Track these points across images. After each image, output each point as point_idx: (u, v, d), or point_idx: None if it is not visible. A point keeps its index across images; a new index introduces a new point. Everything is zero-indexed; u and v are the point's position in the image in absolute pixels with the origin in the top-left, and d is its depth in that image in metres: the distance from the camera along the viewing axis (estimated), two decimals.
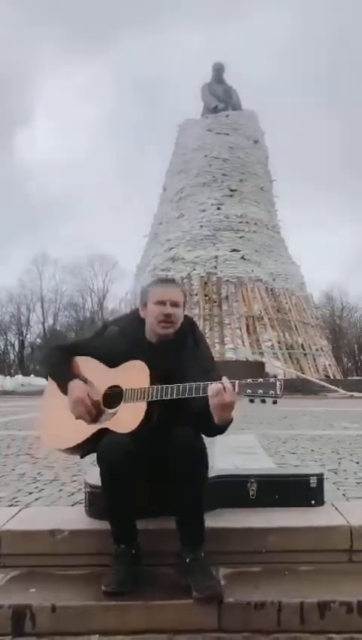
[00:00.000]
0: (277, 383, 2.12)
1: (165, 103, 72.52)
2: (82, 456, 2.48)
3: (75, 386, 2.31)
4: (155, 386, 2.22)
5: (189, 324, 2.47)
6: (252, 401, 2.13)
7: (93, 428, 2.28)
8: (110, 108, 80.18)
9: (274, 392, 2.11)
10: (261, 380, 2.14)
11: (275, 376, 2.19)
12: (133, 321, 2.46)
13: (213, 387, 2.10)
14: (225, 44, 67.75)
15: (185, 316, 2.46)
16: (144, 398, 2.22)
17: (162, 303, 2.34)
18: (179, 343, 2.38)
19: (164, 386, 2.20)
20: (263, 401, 2.12)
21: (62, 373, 2.39)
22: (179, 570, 2.17)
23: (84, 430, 2.30)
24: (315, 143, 74.90)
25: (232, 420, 2.20)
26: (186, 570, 2.12)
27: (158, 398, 2.20)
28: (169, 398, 2.18)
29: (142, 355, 2.31)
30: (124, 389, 2.29)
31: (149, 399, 2.21)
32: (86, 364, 2.41)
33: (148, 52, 77.66)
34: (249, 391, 2.12)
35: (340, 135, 75.08)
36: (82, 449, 2.37)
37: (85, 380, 2.35)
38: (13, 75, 77.71)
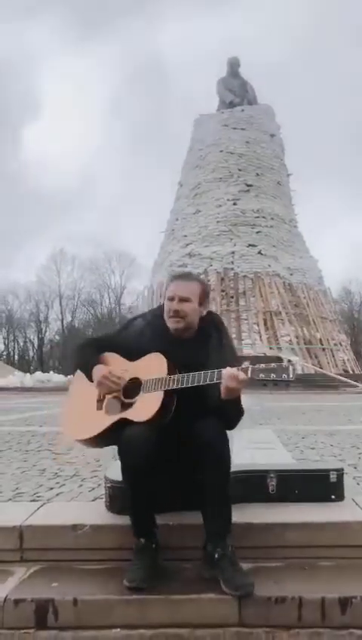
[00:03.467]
0: (290, 367, 2.16)
1: (178, 91, 72.30)
2: (104, 445, 2.51)
3: (98, 368, 2.38)
4: (172, 375, 2.25)
5: (213, 320, 2.49)
6: (265, 385, 2.16)
7: (113, 418, 2.33)
8: (119, 97, 79.97)
9: (286, 376, 2.14)
10: (274, 364, 2.17)
11: (289, 360, 2.20)
12: (159, 314, 2.50)
13: (225, 372, 2.15)
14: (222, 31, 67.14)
15: (210, 312, 2.49)
16: (161, 387, 2.26)
17: (171, 299, 2.39)
18: (203, 337, 2.41)
19: (181, 375, 2.24)
20: (275, 384, 2.15)
21: (87, 363, 2.45)
22: (205, 564, 2.18)
23: (104, 421, 2.34)
24: (326, 132, 74.12)
25: (240, 401, 2.25)
26: (214, 565, 2.13)
27: (175, 386, 2.23)
28: (185, 386, 2.21)
29: (165, 345, 2.35)
30: (142, 380, 2.33)
31: (166, 388, 2.25)
32: (110, 360, 2.45)
33: (154, 39, 77.06)
34: (262, 375, 2.15)
35: (352, 122, 74.09)
36: (102, 440, 2.40)
37: None
38: (18, 67, 77.70)
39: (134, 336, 2.47)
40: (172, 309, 2.38)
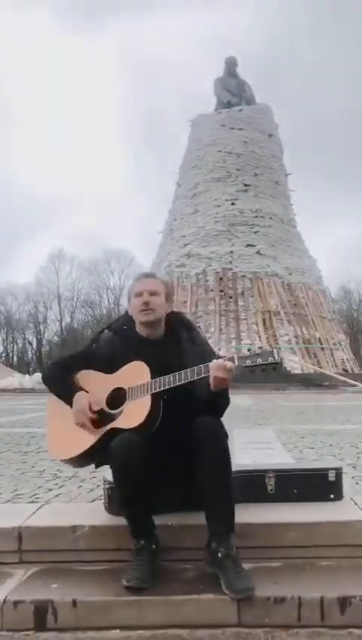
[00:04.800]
0: (275, 350, 2.23)
1: (178, 89, 72.01)
2: (97, 466, 2.48)
3: (78, 397, 2.36)
4: (156, 379, 2.25)
5: (179, 317, 2.55)
6: (253, 371, 2.21)
7: (101, 431, 2.30)
8: (117, 95, 79.60)
9: (272, 359, 2.20)
10: (258, 350, 2.25)
11: (271, 347, 2.27)
12: (125, 321, 2.54)
13: (212, 364, 2.18)
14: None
15: (174, 312, 2.54)
16: (147, 391, 2.25)
17: (140, 294, 2.43)
18: (173, 336, 2.45)
19: (164, 376, 2.24)
20: (263, 370, 2.19)
21: (63, 388, 2.43)
22: (208, 562, 2.18)
23: (93, 435, 2.31)
24: (326, 129, 73.93)
25: (228, 389, 2.28)
26: (216, 564, 2.13)
27: (161, 388, 2.23)
28: (171, 386, 2.22)
29: (137, 350, 2.37)
30: (127, 389, 2.31)
31: (152, 391, 2.24)
32: (86, 377, 2.43)
33: (150, 37, 76.62)
34: (248, 361, 2.20)
35: (351, 117, 73.91)
36: (93, 456, 2.37)
37: (86, 392, 2.39)
38: (14, 60, 76.91)
39: (105, 348, 2.48)
40: (142, 302, 2.41)
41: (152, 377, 2.27)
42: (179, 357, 2.34)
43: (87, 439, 2.32)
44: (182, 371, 2.22)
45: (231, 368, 2.17)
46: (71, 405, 2.38)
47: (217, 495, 2.18)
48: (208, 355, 2.33)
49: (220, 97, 33.30)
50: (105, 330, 2.58)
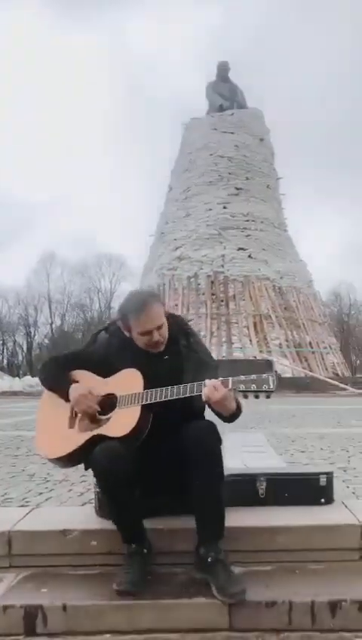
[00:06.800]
0: (270, 378, 2.12)
1: (169, 91, 71.95)
2: (86, 468, 2.41)
3: (76, 386, 2.33)
4: (148, 390, 2.22)
5: (178, 324, 2.45)
6: (246, 396, 2.14)
7: (87, 435, 2.27)
8: (106, 96, 79.46)
9: (267, 387, 2.11)
10: (254, 376, 2.14)
11: (269, 371, 2.19)
12: (119, 332, 2.43)
13: (205, 391, 2.12)
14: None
15: (173, 315, 2.45)
16: (138, 401, 2.22)
17: (148, 332, 2.30)
18: (172, 345, 2.37)
19: (157, 388, 2.21)
20: (256, 397, 2.13)
21: (60, 382, 2.38)
22: (197, 567, 2.16)
23: (77, 438, 2.29)
24: (315, 134, 74.33)
25: (239, 405, 2.23)
26: (206, 569, 2.12)
27: (152, 400, 2.21)
28: (163, 399, 2.19)
29: (133, 356, 2.32)
30: (118, 396, 2.29)
31: (143, 402, 2.22)
32: (80, 377, 2.40)
33: (143, 37, 76.37)
34: (242, 386, 2.13)
35: (341, 124, 74.32)
36: (76, 458, 2.33)
37: None
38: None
39: (101, 350, 2.44)
40: (153, 341, 2.30)
41: (146, 387, 2.24)
42: (176, 367, 2.29)
43: (72, 442, 2.29)
44: (175, 387, 2.18)
45: (225, 391, 2.12)
46: (65, 399, 2.34)
47: (207, 500, 2.16)
48: (206, 366, 2.28)
49: (212, 101, 33.42)
50: (102, 332, 2.54)
